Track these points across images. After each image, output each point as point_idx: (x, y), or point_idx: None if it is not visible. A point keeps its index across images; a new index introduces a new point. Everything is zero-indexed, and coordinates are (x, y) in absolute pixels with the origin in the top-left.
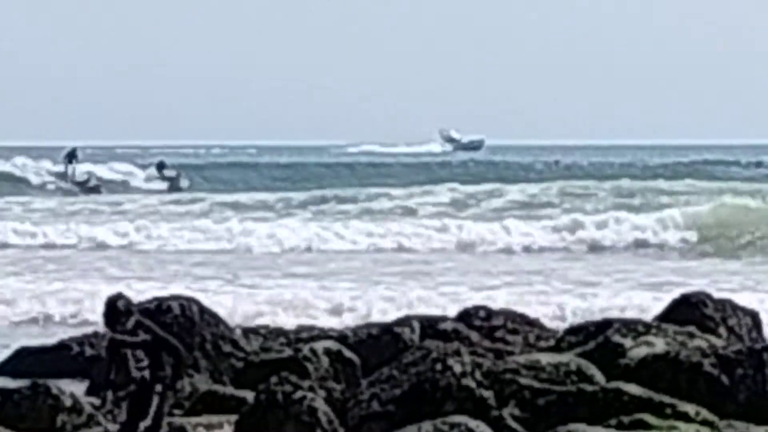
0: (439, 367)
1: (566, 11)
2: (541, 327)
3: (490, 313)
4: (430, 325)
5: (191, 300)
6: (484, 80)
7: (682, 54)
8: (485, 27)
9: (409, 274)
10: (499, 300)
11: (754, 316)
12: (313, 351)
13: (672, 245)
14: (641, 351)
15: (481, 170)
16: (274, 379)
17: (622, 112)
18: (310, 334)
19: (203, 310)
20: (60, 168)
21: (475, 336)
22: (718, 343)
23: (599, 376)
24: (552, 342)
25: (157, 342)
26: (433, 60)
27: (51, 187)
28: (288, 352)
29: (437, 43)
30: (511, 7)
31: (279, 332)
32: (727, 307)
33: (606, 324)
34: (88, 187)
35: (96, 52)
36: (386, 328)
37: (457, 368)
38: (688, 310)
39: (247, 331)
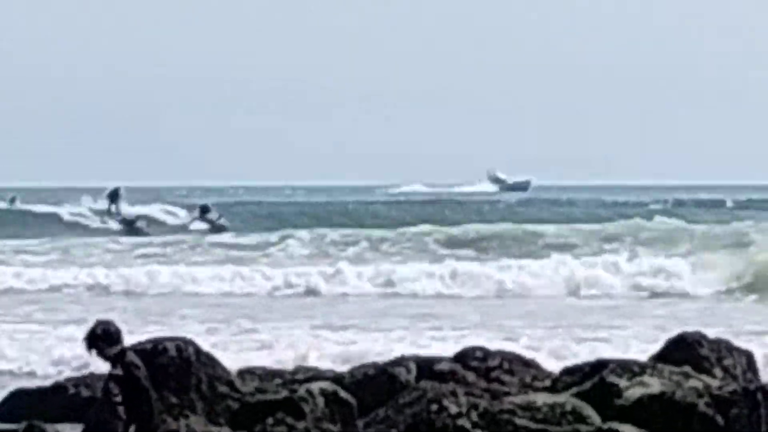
0: (434, 407)
1: (607, 59)
2: (537, 367)
3: (486, 354)
4: (426, 366)
5: (188, 341)
6: (528, 121)
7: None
8: (527, 70)
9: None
10: None
11: (749, 356)
12: (309, 392)
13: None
14: (636, 391)
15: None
16: (270, 421)
17: (672, 151)
18: (305, 375)
19: (199, 351)
20: (103, 206)
21: (471, 376)
22: (714, 383)
23: (595, 417)
24: (548, 382)
25: (129, 380)
26: (477, 102)
27: (94, 226)
28: (284, 393)
29: (480, 87)
30: (552, 54)
31: (275, 373)
32: (722, 347)
33: (601, 364)
34: (135, 227)
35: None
36: (382, 369)
37: (453, 409)
38: (683, 350)
39: (243, 372)
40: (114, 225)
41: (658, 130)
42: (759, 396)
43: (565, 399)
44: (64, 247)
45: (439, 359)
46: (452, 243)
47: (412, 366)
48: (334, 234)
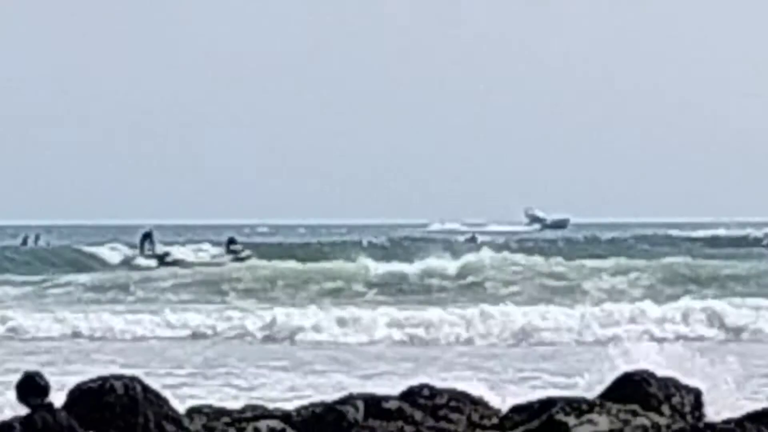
0: None
1: (643, 97)
2: (485, 405)
3: (433, 392)
4: (374, 404)
5: (134, 379)
6: (565, 158)
7: None
8: (561, 108)
9: None
10: None
11: (697, 394)
12: (256, 430)
13: None
14: (585, 429)
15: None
16: None
17: (702, 188)
18: (254, 413)
19: (146, 389)
20: (136, 250)
21: (418, 415)
22: (662, 421)
23: None
24: (496, 420)
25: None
26: (513, 139)
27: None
28: (232, 431)
29: (516, 123)
30: (587, 91)
31: (223, 412)
32: (670, 385)
33: (550, 402)
34: (166, 262)
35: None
36: (330, 407)
37: None
38: (631, 387)
39: (192, 411)
40: (150, 262)
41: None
42: None
43: None
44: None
45: (387, 398)
46: None
47: (360, 404)
48: None
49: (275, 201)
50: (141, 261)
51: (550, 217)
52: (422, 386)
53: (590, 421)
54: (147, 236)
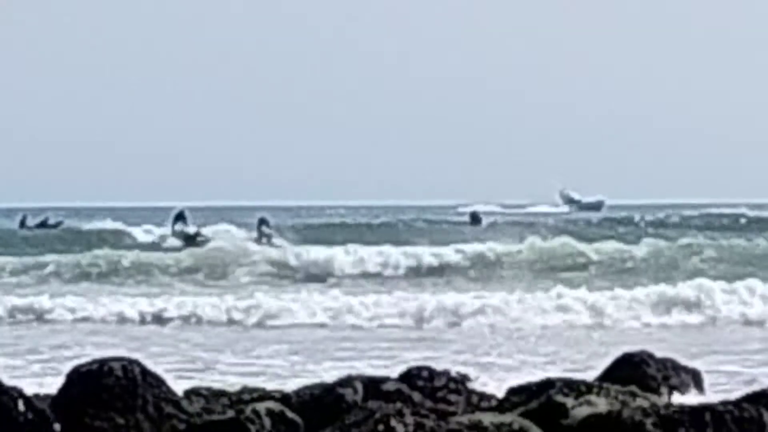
0: (381, 427)
1: (683, 74)
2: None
3: (432, 374)
4: (372, 386)
5: (133, 361)
6: (602, 138)
7: None
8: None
9: None
10: None
11: (695, 374)
12: (255, 412)
13: None
14: (583, 411)
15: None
16: None
17: (738, 169)
18: (252, 395)
19: (145, 371)
20: (167, 230)
21: (417, 396)
22: (660, 402)
23: None
24: (494, 402)
25: None
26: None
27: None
28: (230, 413)
29: (553, 105)
30: (624, 69)
31: (221, 393)
32: (668, 366)
33: (548, 384)
34: (198, 241)
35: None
36: (329, 389)
37: (400, 429)
38: (629, 369)
39: (190, 393)
40: (176, 242)
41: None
42: (706, 415)
43: (512, 418)
44: None
45: (386, 379)
46: None
47: (359, 386)
48: None
49: (308, 183)
50: (172, 242)
51: (585, 198)
52: (421, 368)
53: (589, 403)
54: (180, 217)
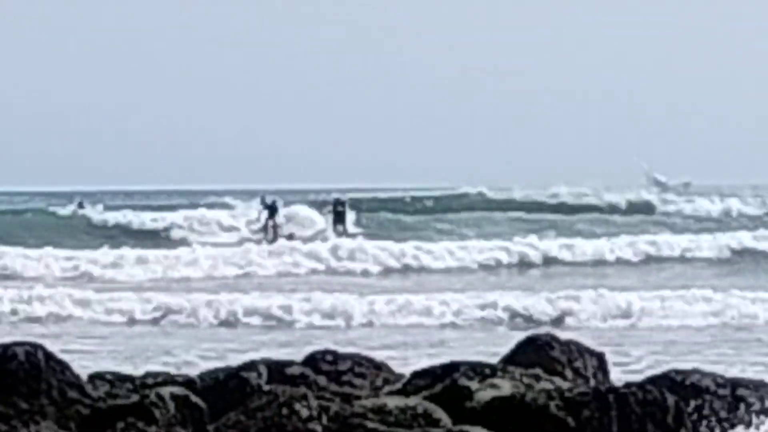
0: (285, 411)
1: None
2: (389, 370)
3: (336, 357)
4: (277, 370)
5: (37, 346)
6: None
7: None
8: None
9: None
10: None
11: (600, 357)
12: (159, 396)
13: None
14: (487, 393)
15: None
16: (120, 425)
17: None
18: (156, 380)
19: (49, 356)
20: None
21: (322, 380)
22: (564, 385)
23: (446, 420)
24: (399, 385)
25: None
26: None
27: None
28: (135, 397)
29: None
30: (709, 50)
31: (125, 378)
32: (572, 348)
33: (453, 367)
34: (287, 235)
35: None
36: (233, 373)
37: (304, 413)
38: (533, 352)
39: (94, 377)
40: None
41: None
42: (610, 397)
43: (416, 402)
44: None
45: (290, 363)
46: None
47: (263, 370)
48: None
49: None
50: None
51: (671, 181)
52: (325, 352)
53: (493, 386)
54: (270, 208)
